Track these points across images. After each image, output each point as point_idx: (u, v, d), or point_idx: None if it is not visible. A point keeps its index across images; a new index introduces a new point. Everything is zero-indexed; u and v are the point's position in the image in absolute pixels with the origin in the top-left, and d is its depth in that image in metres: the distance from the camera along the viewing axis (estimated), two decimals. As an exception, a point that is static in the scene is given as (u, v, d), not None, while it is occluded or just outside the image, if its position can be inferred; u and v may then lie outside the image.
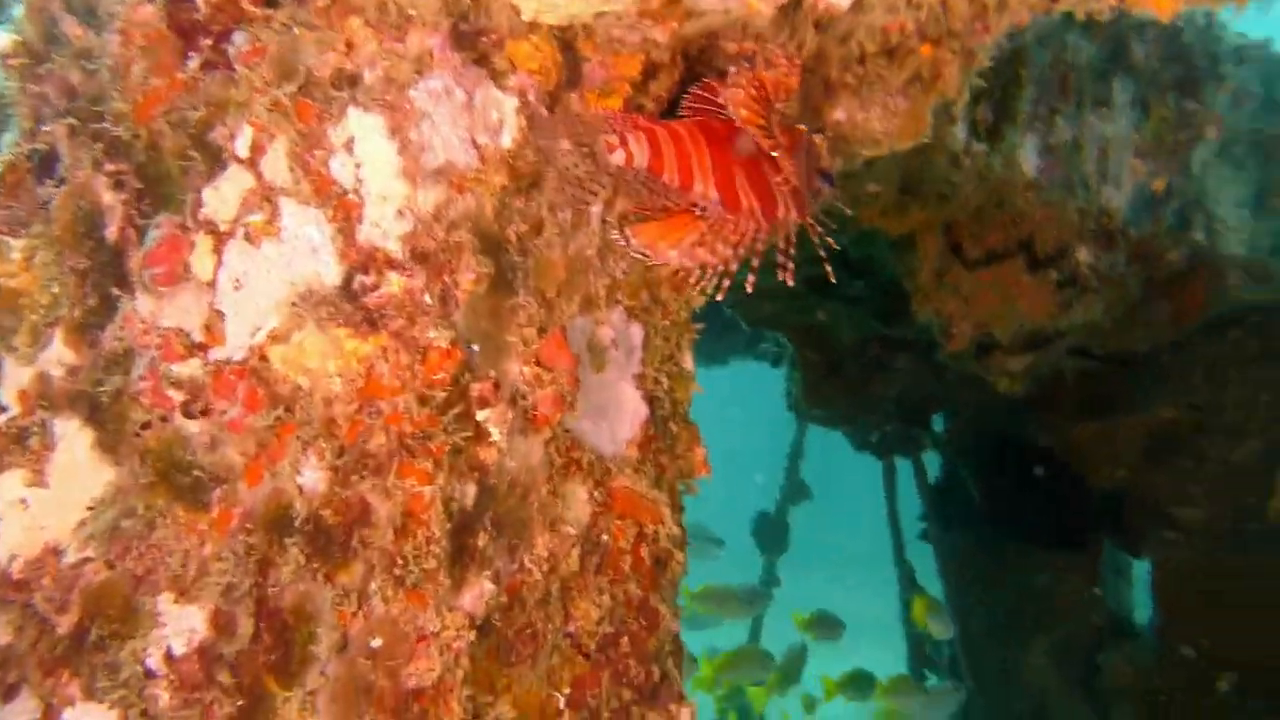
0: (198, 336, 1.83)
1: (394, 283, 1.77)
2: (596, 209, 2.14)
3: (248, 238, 1.81)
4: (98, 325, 1.88)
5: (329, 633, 1.69)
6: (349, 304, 1.75)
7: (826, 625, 8.82)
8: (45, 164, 1.92)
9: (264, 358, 1.79)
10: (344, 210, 1.77)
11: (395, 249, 1.77)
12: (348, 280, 1.77)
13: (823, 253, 2.05)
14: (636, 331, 2.25)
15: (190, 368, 1.82)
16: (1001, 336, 4.16)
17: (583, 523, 2.08)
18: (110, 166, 1.87)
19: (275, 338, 1.78)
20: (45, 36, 1.98)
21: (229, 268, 1.82)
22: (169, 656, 1.71)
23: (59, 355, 1.88)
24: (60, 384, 1.86)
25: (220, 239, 1.82)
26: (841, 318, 6.75)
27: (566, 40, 1.95)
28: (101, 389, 1.84)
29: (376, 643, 1.70)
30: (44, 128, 1.93)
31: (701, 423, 2.42)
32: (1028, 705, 8.13)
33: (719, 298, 1.97)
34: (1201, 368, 6.37)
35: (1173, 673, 6.59)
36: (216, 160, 1.84)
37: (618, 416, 2.20)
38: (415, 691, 1.71)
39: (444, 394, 1.78)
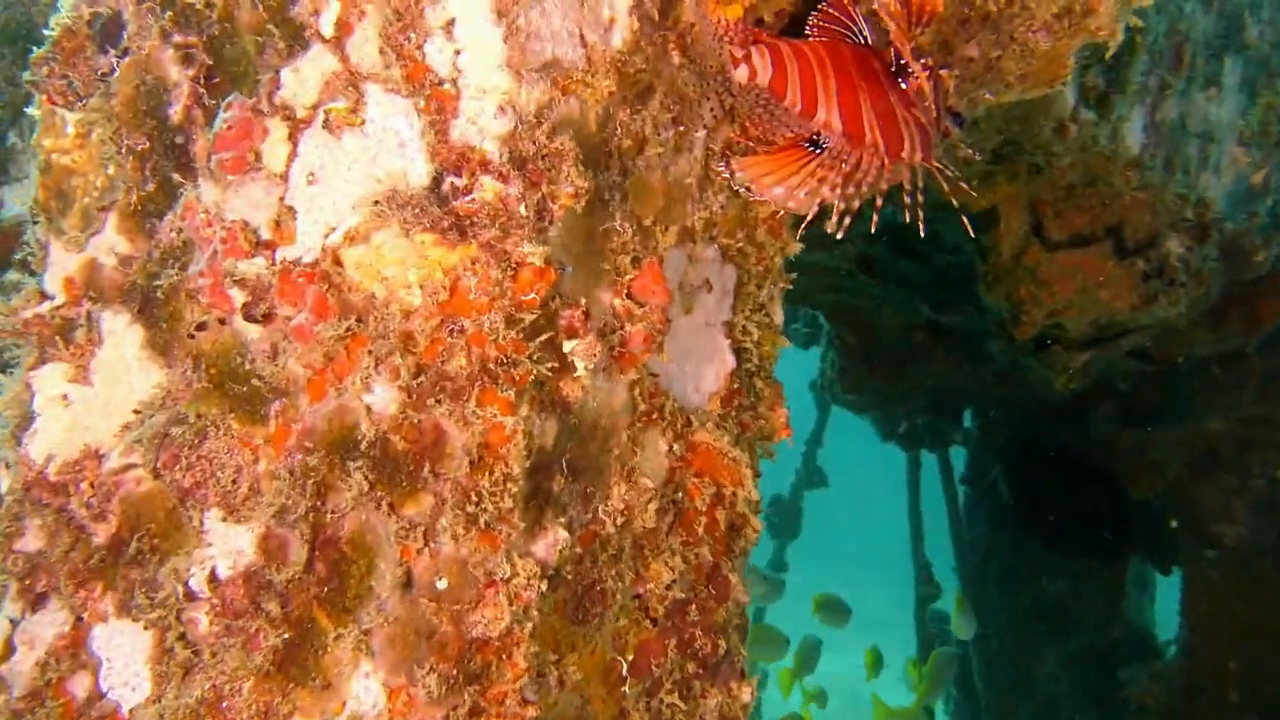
0: (265, 233, 1.66)
1: (488, 188, 1.58)
2: (700, 133, 1.95)
3: (327, 126, 1.62)
4: (156, 213, 1.71)
5: (391, 569, 1.53)
6: (437, 207, 1.57)
7: (834, 611, 8.70)
8: (107, 31, 1.74)
9: (337, 261, 1.61)
10: (438, 102, 1.59)
11: (492, 150, 1.59)
12: (437, 181, 1.59)
13: (954, 201, 1.85)
14: (730, 274, 2.07)
15: (255, 266, 1.64)
16: (1073, 328, 3.95)
17: (660, 476, 1.91)
18: (179, 38, 1.69)
19: (352, 239, 1.60)
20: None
21: (304, 159, 1.64)
22: (213, 578, 1.55)
23: (111, 243, 1.71)
24: (111, 274, 1.69)
25: (297, 126, 1.64)
26: (888, 300, 6.53)
27: (689, -61, 1.76)
28: (156, 283, 1.67)
29: (442, 584, 1.53)
30: (109, -8, 1.75)
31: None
32: (1039, 712, 7.98)
33: (840, 235, 1.78)
34: (1254, 382, 6.15)
35: (1200, 694, 6.41)
36: (298, 38, 1.65)
37: (704, 365, 2.03)
38: (480, 641, 1.54)
39: (533, 317, 1.60)
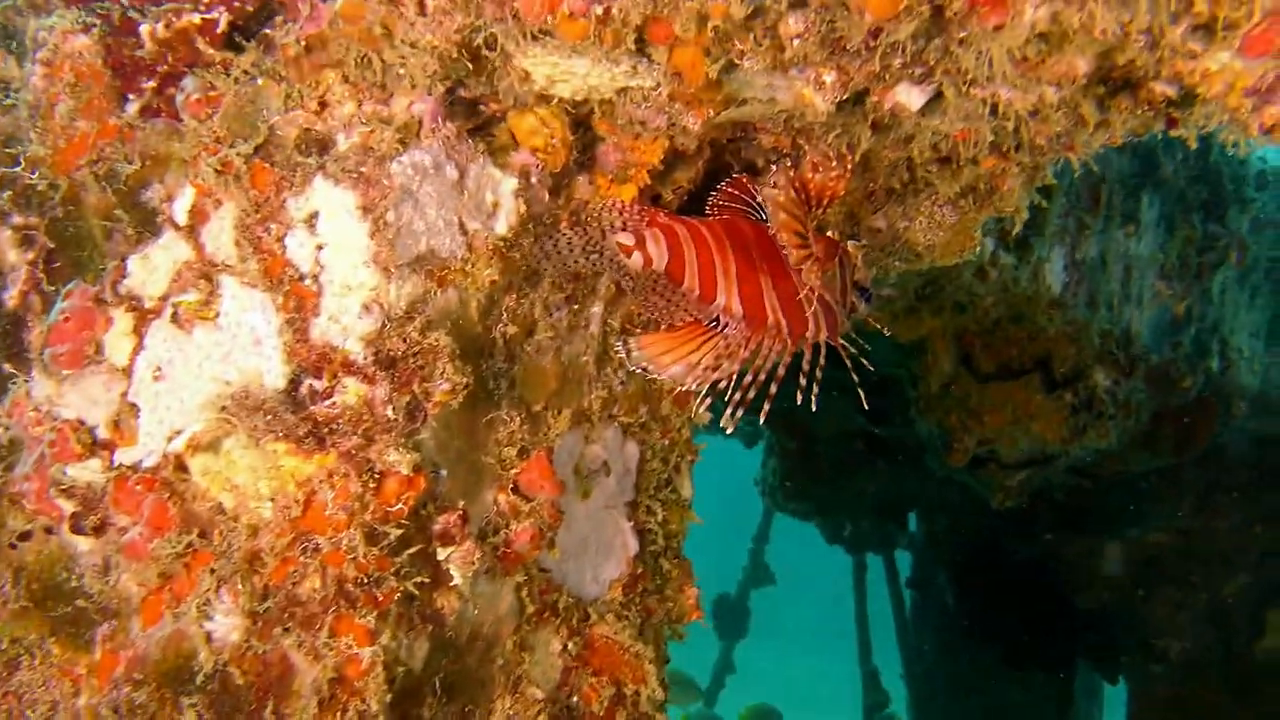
0: (103, 432, 1.50)
1: (351, 391, 1.45)
2: (597, 309, 1.84)
3: (176, 320, 1.48)
4: (-19, 409, 1.54)
5: (222, 832, 1.33)
6: (292, 413, 1.43)
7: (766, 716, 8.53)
8: (-57, 208, 1.60)
9: (182, 467, 1.45)
10: (298, 299, 1.46)
11: (356, 350, 1.45)
12: (294, 384, 1.45)
13: (855, 377, 1.77)
14: (632, 452, 1.94)
15: (88, 471, 1.48)
16: (1006, 455, 3.89)
17: (552, 682, 1.74)
18: (18, 219, 1.55)
19: (197, 445, 1.44)
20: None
21: (151, 352, 1.49)
22: None
23: (-72, 442, 1.53)
24: (-76, 478, 1.51)
25: (144, 317, 1.50)
26: (824, 408, 6.48)
27: (580, 116, 1.68)
28: (-26, 489, 1.49)
29: None
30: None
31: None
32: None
33: (729, 430, 1.67)
34: (1194, 493, 6.16)
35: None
36: (148, 224, 1.52)
37: (603, 552, 1.88)
38: None
39: (399, 530, 1.45)
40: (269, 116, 1.50)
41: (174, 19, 1.46)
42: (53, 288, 1.54)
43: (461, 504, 1.57)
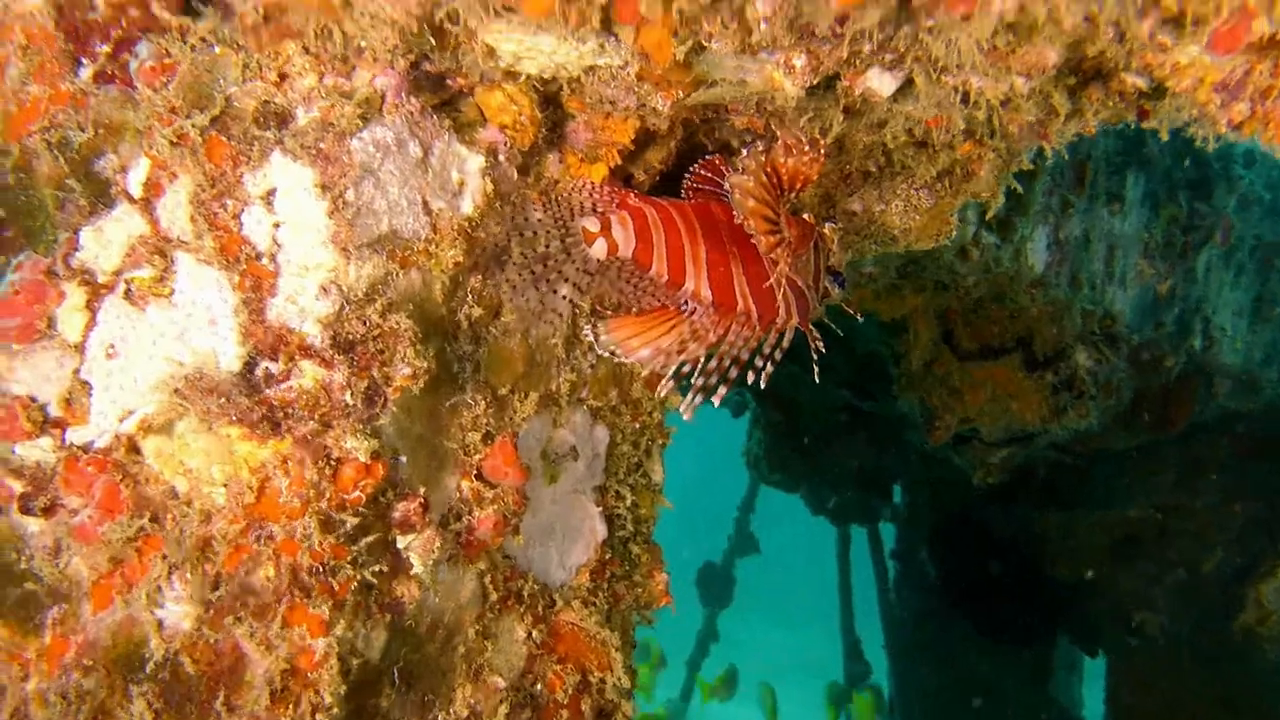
0: (55, 410, 1.46)
1: (307, 375, 1.41)
2: (565, 290, 1.81)
3: (130, 296, 1.44)
4: (-73, 386, 1.50)
5: (172, 822, 1.32)
6: (247, 397, 1.39)
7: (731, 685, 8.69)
8: (-113, 177, 1.54)
9: (134, 449, 1.42)
10: (254, 278, 1.42)
11: (313, 333, 1.42)
12: (250, 366, 1.41)
13: (815, 356, 1.74)
14: (601, 435, 1.92)
15: (38, 449, 1.44)
16: (987, 433, 3.88)
17: (516, 670, 1.73)
18: (-34, 190, 1.50)
19: (150, 427, 1.41)
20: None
21: (103, 329, 1.45)
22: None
23: (-128, 419, 1.49)
24: None
25: (96, 292, 1.46)
26: (807, 382, 6.47)
27: (549, 94, 1.63)
28: (-80, 468, 1.45)
29: (233, 838, 1.32)
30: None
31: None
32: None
33: (686, 416, 1.65)
34: (1173, 470, 6.18)
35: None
36: (102, 195, 1.48)
37: (570, 537, 1.86)
38: None
39: (356, 519, 1.42)
40: (226, 87, 1.45)
41: (125, -16, 1.40)
42: (2, 258, 1.50)
43: (422, 491, 1.54)
